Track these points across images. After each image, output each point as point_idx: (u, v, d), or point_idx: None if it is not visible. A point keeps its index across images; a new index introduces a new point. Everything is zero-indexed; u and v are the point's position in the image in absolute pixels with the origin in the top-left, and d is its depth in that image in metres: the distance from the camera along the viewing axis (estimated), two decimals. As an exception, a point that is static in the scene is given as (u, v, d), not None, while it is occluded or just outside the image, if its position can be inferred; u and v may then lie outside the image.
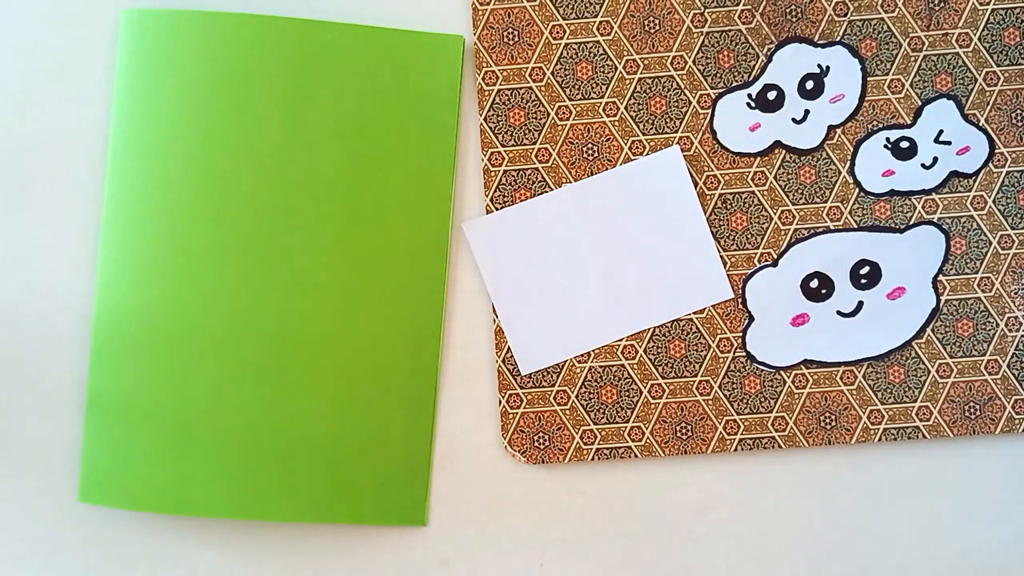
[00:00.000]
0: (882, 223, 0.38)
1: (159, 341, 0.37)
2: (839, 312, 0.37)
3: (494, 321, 0.38)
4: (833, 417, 0.37)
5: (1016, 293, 0.37)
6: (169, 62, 0.38)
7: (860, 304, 0.37)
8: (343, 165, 0.37)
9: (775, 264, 0.38)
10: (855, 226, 0.38)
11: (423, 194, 0.38)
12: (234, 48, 0.37)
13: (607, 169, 0.38)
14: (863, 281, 0.37)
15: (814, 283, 0.38)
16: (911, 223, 0.38)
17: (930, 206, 0.38)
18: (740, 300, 0.38)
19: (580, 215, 0.38)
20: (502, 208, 0.38)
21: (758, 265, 0.38)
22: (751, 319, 0.38)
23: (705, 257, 0.38)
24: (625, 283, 0.37)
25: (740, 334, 0.38)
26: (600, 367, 0.38)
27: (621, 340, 0.37)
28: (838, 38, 0.38)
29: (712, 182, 0.38)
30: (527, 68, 0.38)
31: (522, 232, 0.38)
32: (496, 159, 0.38)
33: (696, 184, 0.38)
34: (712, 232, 0.38)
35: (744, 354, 0.38)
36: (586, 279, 0.38)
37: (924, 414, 0.37)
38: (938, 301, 0.37)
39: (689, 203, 0.38)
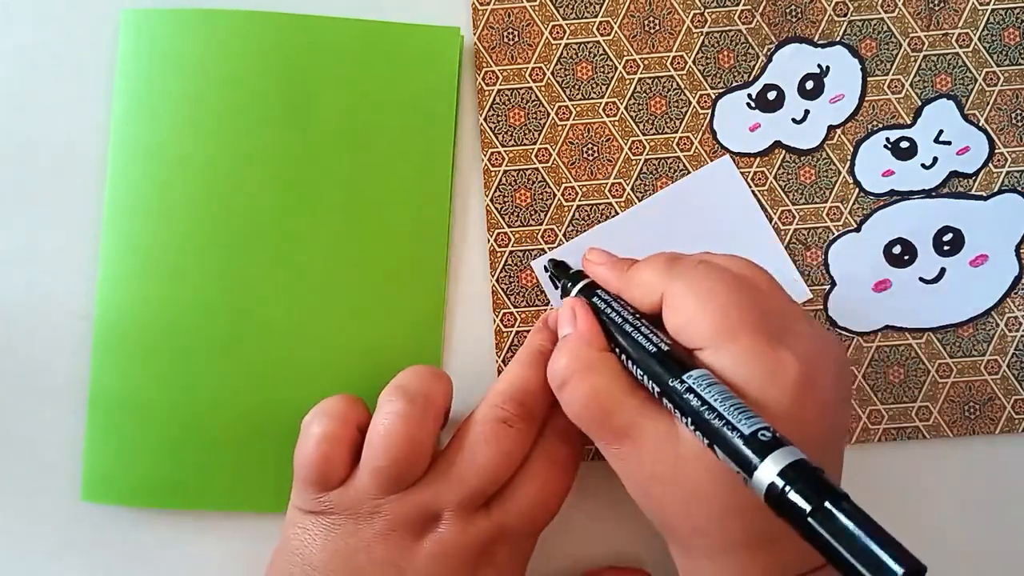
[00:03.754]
0: (966, 190, 0.37)
1: (160, 339, 0.37)
2: (921, 279, 0.37)
3: (494, 321, 0.38)
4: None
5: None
6: (169, 61, 0.38)
7: (943, 271, 0.37)
8: (344, 161, 0.37)
9: (858, 229, 0.38)
10: (939, 193, 0.38)
11: (423, 191, 0.38)
12: (233, 45, 0.38)
13: (608, 170, 0.38)
14: (946, 248, 0.37)
15: (897, 249, 0.37)
16: (996, 190, 0.37)
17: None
18: (823, 265, 0.38)
19: (645, 236, 0.37)
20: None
21: (842, 230, 0.38)
22: (833, 284, 0.38)
23: (776, 259, 0.37)
24: None
25: (822, 299, 0.38)
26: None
27: None
28: (838, 38, 0.38)
29: (712, 182, 0.38)
30: (527, 68, 0.38)
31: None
32: (496, 159, 0.38)
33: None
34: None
35: (826, 319, 0.38)
36: None
37: (924, 414, 0.37)
38: (1021, 269, 0.37)
39: (750, 209, 0.37)
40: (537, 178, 0.38)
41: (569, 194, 0.38)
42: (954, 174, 0.38)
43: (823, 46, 0.38)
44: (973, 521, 0.38)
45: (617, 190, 0.38)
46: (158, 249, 0.37)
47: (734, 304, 0.28)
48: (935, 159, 0.38)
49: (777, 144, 0.38)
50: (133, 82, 0.38)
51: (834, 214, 0.38)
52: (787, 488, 0.23)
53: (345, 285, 0.37)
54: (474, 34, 0.38)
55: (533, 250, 0.38)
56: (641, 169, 0.38)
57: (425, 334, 0.38)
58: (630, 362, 0.30)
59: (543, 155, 0.38)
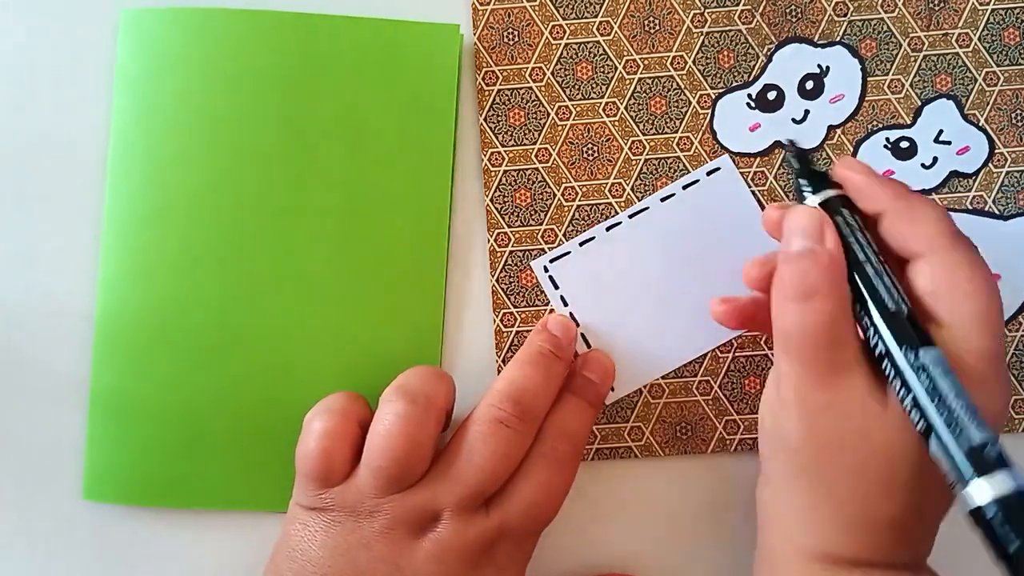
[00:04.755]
0: (987, 209, 0.37)
1: (160, 338, 0.37)
2: None
3: (494, 321, 0.38)
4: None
5: None
6: (168, 60, 0.38)
7: None
8: (343, 160, 0.38)
9: None
10: (960, 207, 0.37)
11: (423, 190, 0.38)
12: (232, 44, 0.38)
13: (608, 170, 0.38)
14: None
15: None
16: (1017, 212, 0.37)
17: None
18: None
19: (649, 238, 0.37)
20: (570, 238, 0.38)
21: None
22: None
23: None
24: (702, 298, 0.36)
25: None
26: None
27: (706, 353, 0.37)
28: (838, 38, 0.38)
29: (712, 182, 0.38)
30: (527, 68, 0.38)
31: (599, 263, 0.38)
32: (496, 159, 0.38)
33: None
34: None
35: None
36: (663, 300, 0.37)
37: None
38: None
39: (751, 209, 0.37)
40: (537, 178, 0.38)
41: (569, 194, 0.38)
42: (954, 174, 0.38)
43: (823, 46, 0.38)
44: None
45: (617, 190, 0.38)
46: (158, 249, 0.37)
47: (998, 301, 0.28)
48: (935, 159, 0.38)
49: (777, 144, 0.38)
50: (133, 82, 0.38)
51: (834, 214, 0.38)
52: (997, 519, 0.23)
53: (345, 284, 0.37)
54: (474, 34, 0.38)
55: (533, 250, 0.38)
56: (641, 169, 0.38)
57: (424, 334, 0.38)
58: (860, 308, 0.28)
59: (543, 155, 0.38)
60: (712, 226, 0.38)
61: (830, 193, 0.30)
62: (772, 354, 0.35)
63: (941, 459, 0.25)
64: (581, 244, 0.38)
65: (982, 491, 0.23)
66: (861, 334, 0.29)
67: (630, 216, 0.38)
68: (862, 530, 0.28)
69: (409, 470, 0.31)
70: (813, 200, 0.30)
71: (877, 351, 0.27)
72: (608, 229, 0.38)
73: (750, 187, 0.38)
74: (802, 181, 0.31)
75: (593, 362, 0.36)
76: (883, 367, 0.27)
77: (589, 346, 0.37)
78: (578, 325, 0.37)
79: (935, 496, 0.28)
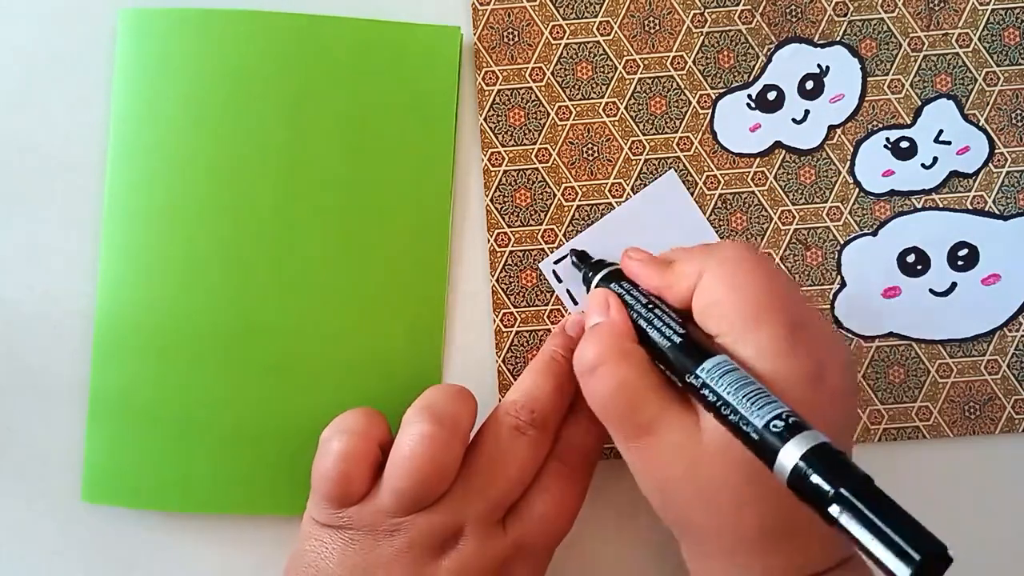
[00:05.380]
0: (987, 208, 0.37)
1: (161, 339, 0.37)
2: (931, 290, 0.37)
3: (494, 321, 0.38)
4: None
5: None
6: (167, 60, 0.38)
7: (953, 285, 0.37)
8: (344, 161, 0.37)
9: (875, 234, 0.38)
10: (960, 207, 0.38)
11: (423, 191, 0.38)
12: (231, 45, 0.38)
13: (608, 170, 0.38)
14: (960, 263, 0.37)
15: (911, 258, 0.37)
16: (1017, 212, 0.38)
17: (930, 206, 0.38)
18: (836, 265, 0.38)
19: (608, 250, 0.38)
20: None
21: (857, 232, 0.38)
22: (843, 285, 0.38)
23: None
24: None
25: (829, 299, 0.38)
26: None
27: None
28: (838, 38, 0.38)
29: (712, 182, 0.38)
30: (527, 68, 0.38)
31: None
32: (496, 159, 0.38)
33: (696, 185, 0.38)
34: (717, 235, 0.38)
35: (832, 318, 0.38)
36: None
37: (924, 414, 0.37)
38: None
39: (699, 223, 0.38)
40: (537, 178, 0.38)
41: (569, 194, 0.38)
42: (954, 174, 0.38)
43: (823, 46, 0.38)
44: (973, 521, 0.38)
45: (617, 190, 0.38)
46: (157, 249, 0.37)
47: (764, 290, 0.28)
48: (935, 159, 0.38)
49: (777, 144, 0.38)
50: (131, 82, 0.38)
51: (834, 214, 0.38)
52: (809, 471, 0.23)
53: (346, 285, 0.37)
54: (474, 34, 0.38)
55: (533, 250, 0.38)
56: (641, 169, 0.38)
57: (426, 334, 0.38)
58: (654, 356, 0.30)
59: (543, 155, 0.38)
60: (661, 241, 0.37)
61: (608, 269, 0.34)
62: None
63: (755, 454, 0.25)
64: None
65: (788, 455, 0.23)
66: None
67: (622, 212, 0.38)
68: (741, 557, 0.28)
69: (432, 492, 0.31)
70: (595, 280, 0.34)
71: (680, 386, 0.29)
72: (601, 228, 0.38)
73: (751, 187, 0.38)
74: (586, 273, 0.35)
75: None
76: (691, 399, 0.28)
77: None
78: None
79: (793, 503, 0.28)
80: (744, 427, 0.25)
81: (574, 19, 0.38)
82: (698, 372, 0.27)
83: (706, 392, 0.27)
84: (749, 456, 0.25)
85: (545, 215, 0.38)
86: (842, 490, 0.22)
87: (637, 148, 0.38)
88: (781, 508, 0.27)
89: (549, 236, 0.38)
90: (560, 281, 0.38)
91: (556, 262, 0.38)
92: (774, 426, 0.24)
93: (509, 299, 0.38)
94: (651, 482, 0.29)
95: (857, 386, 0.37)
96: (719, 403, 0.26)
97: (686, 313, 0.30)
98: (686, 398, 0.29)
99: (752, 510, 0.28)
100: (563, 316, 0.38)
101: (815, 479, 0.23)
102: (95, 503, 0.37)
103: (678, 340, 0.29)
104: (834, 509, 0.22)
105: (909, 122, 0.38)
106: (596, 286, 0.34)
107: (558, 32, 0.38)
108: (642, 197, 0.38)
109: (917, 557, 0.20)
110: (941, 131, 0.38)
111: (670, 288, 0.31)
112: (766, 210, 0.38)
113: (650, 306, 0.31)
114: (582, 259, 0.37)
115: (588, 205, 0.38)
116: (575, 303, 0.38)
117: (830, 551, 0.29)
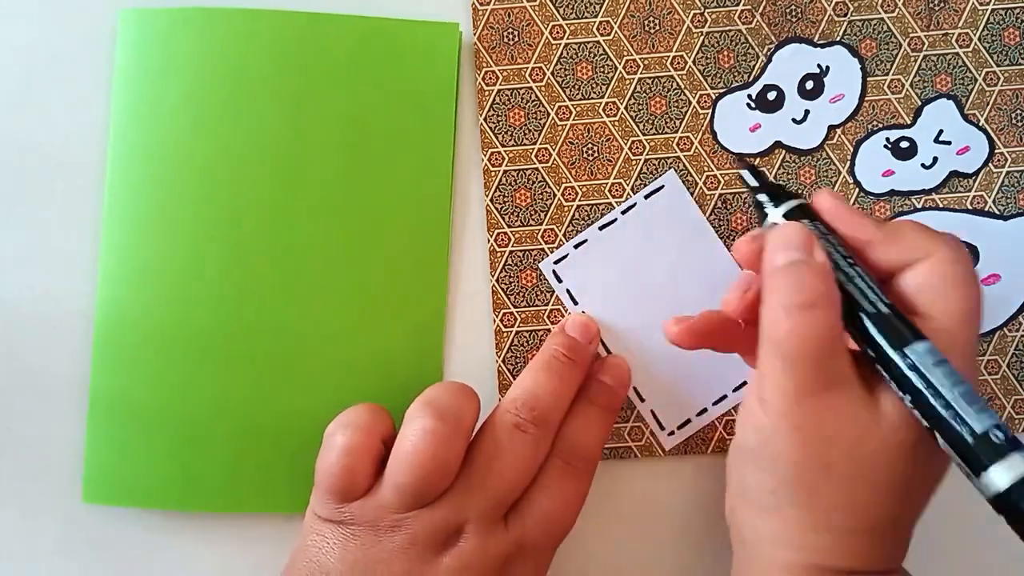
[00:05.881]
0: (987, 209, 0.37)
1: (161, 339, 0.37)
2: None
3: (494, 321, 0.38)
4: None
5: None
6: (166, 60, 0.38)
7: None
8: (344, 160, 0.37)
9: None
10: (960, 207, 0.38)
11: (423, 190, 0.38)
12: (230, 43, 0.38)
13: (608, 170, 0.38)
14: None
15: None
16: (1017, 212, 0.37)
17: (930, 206, 0.38)
18: None
19: (614, 254, 0.38)
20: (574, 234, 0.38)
21: None
22: None
23: (728, 273, 0.37)
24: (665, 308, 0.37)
25: None
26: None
27: None
28: (838, 38, 0.38)
29: (712, 182, 0.38)
30: (527, 68, 0.38)
31: (599, 262, 0.38)
32: (496, 159, 0.38)
33: (696, 185, 0.38)
34: (718, 234, 0.38)
35: None
36: (658, 300, 0.38)
37: (924, 414, 0.37)
38: None
39: (699, 224, 0.38)
40: (537, 178, 0.38)
41: (569, 194, 0.38)
42: (954, 174, 0.38)
43: (823, 46, 0.38)
44: (974, 521, 0.38)
45: (617, 190, 0.38)
46: (157, 249, 0.37)
47: (980, 291, 0.28)
48: (935, 159, 0.38)
49: (777, 144, 0.38)
50: (131, 82, 0.38)
51: (834, 214, 0.38)
52: (1021, 499, 0.23)
53: (346, 285, 0.37)
54: (474, 34, 0.38)
55: (533, 250, 0.38)
56: (641, 169, 0.38)
57: (427, 334, 0.38)
58: (846, 315, 0.28)
59: (543, 155, 0.38)
60: (664, 243, 0.38)
61: (793, 203, 0.30)
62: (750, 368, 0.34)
63: (951, 452, 0.25)
64: (576, 246, 0.38)
65: (1000, 476, 0.23)
66: (850, 343, 0.29)
67: (623, 212, 0.38)
68: (847, 538, 0.28)
69: (433, 488, 0.31)
70: (776, 212, 0.30)
71: (868, 355, 0.27)
72: (601, 228, 0.38)
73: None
74: (761, 197, 0.31)
75: (611, 367, 0.36)
76: (876, 370, 0.27)
77: (607, 349, 0.37)
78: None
79: (916, 499, 0.28)
80: (956, 425, 0.24)
81: (574, 19, 0.38)
82: (908, 352, 0.26)
83: (913, 375, 0.26)
84: (920, 445, 0.26)
85: (545, 215, 0.38)
86: None
87: (637, 148, 0.38)
88: (915, 504, 0.28)
89: (549, 236, 0.38)
90: (560, 281, 0.38)
91: (556, 262, 0.38)
92: (996, 436, 0.24)
93: (509, 299, 0.38)
94: (807, 440, 0.27)
95: None
96: (928, 390, 0.25)
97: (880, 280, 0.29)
98: (866, 364, 0.28)
99: (893, 498, 0.28)
100: (563, 316, 0.38)
101: None
102: (96, 504, 0.37)
103: (885, 310, 0.27)
104: None
105: (909, 122, 0.38)
106: (785, 218, 0.30)
107: (558, 32, 0.38)
108: (642, 198, 0.38)
109: None
110: (941, 131, 0.38)
111: (885, 246, 0.29)
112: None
113: (851, 262, 0.28)
114: (759, 178, 0.32)
115: (588, 205, 0.38)
116: (575, 303, 0.38)
117: (903, 554, 0.29)
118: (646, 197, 0.38)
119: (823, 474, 0.28)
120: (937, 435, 0.25)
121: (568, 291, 0.38)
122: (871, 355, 0.27)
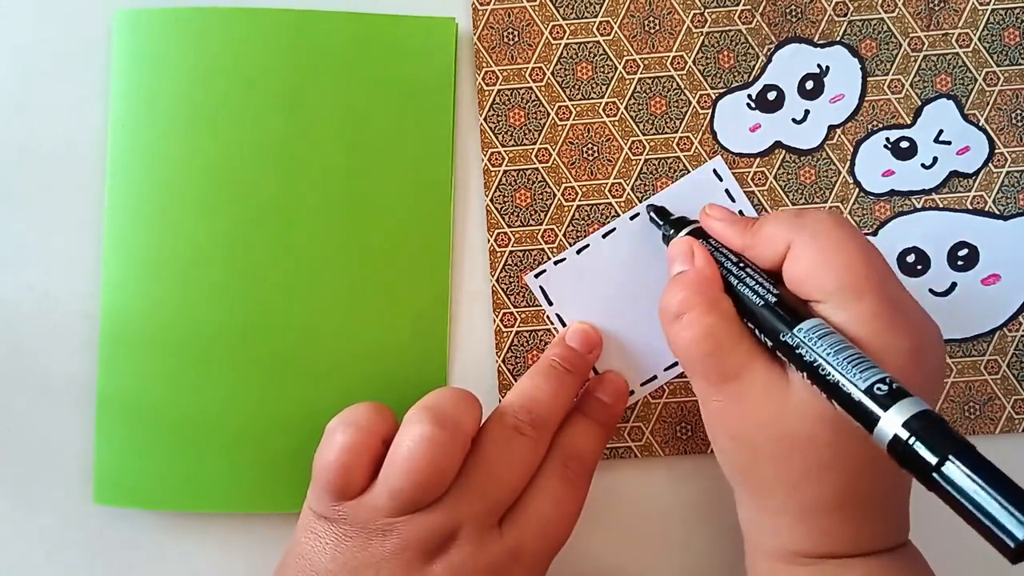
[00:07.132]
0: (987, 208, 0.37)
1: (166, 339, 0.37)
2: (931, 290, 0.37)
3: (494, 321, 0.38)
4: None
5: None
6: (163, 59, 0.38)
7: (953, 285, 0.37)
8: (343, 155, 0.37)
9: (875, 234, 0.38)
10: (960, 207, 0.38)
11: (423, 189, 0.38)
12: (227, 42, 0.38)
13: (608, 170, 0.38)
14: (960, 263, 0.37)
15: (911, 258, 0.38)
16: (1017, 212, 0.38)
17: (930, 206, 0.38)
18: None
19: (641, 245, 0.38)
20: (564, 249, 0.38)
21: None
22: None
23: None
24: None
25: None
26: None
27: None
28: (838, 38, 0.38)
29: (712, 182, 0.38)
30: (527, 68, 0.38)
31: (588, 272, 0.38)
32: (496, 159, 0.38)
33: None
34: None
35: None
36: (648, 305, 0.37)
37: (924, 414, 0.37)
38: None
39: (746, 209, 0.37)
40: (537, 178, 0.38)
41: (569, 194, 0.38)
42: (954, 174, 0.38)
43: (823, 46, 0.38)
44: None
45: (617, 190, 0.38)
46: (159, 248, 0.37)
47: (863, 262, 0.28)
48: (935, 159, 0.38)
49: (777, 144, 0.38)
50: (129, 82, 0.38)
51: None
52: (912, 439, 0.23)
53: (349, 283, 0.37)
54: (474, 34, 0.38)
55: (533, 250, 0.38)
56: (641, 169, 0.38)
57: (430, 333, 0.38)
58: (741, 312, 0.30)
59: (543, 155, 0.38)
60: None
61: (691, 227, 0.34)
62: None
63: (849, 416, 0.25)
64: (578, 252, 0.38)
65: (890, 422, 0.23)
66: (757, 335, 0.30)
67: (603, 236, 0.38)
68: (806, 520, 0.29)
69: (428, 495, 0.30)
70: (679, 237, 0.34)
71: (769, 346, 0.29)
72: (604, 236, 0.38)
73: (751, 187, 0.38)
74: (665, 230, 0.35)
75: (608, 384, 0.36)
76: (777, 355, 0.29)
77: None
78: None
79: (873, 474, 0.28)
80: (844, 388, 0.25)
81: (574, 19, 0.38)
82: (795, 332, 0.27)
83: (803, 351, 0.27)
84: (837, 417, 0.26)
85: (545, 215, 0.38)
86: (950, 457, 0.22)
87: (637, 148, 0.38)
88: (863, 477, 0.28)
89: (549, 236, 0.38)
90: (551, 304, 0.38)
91: (537, 275, 0.38)
92: (878, 389, 0.24)
93: (509, 299, 0.38)
94: (727, 432, 0.30)
95: (944, 373, 0.37)
96: (816, 363, 0.26)
97: (772, 276, 0.30)
98: (773, 353, 0.29)
99: (832, 474, 0.28)
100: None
101: (919, 446, 0.22)
102: (107, 505, 0.37)
103: (772, 300, 0.29)
104: (950, 469, 0.22)
105: (909, 122, 0.38)
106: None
107: (558, 32, 0.38)
108: (688, 181, 0.38)
109: (1020, 535, 0.20)
110: (941, 131, 0.38)
111: (753, 249, 0.31)
112: (766, 210, 0.38)
113: (740, 264, 0.31)
114: (661, 215, 0.36)
115: (588, 205, 0.38)
116: (563, 324, 0.37)
117: (892, 533, 0.29)
118: (631, 219, 0.38)
119: (752, 456, 0.29)
120: (834, 403, 0.26)
121: (557, 315, 0.38)
122: (768, 343, 0.29)
